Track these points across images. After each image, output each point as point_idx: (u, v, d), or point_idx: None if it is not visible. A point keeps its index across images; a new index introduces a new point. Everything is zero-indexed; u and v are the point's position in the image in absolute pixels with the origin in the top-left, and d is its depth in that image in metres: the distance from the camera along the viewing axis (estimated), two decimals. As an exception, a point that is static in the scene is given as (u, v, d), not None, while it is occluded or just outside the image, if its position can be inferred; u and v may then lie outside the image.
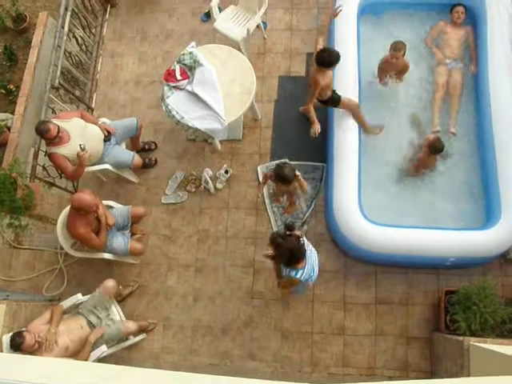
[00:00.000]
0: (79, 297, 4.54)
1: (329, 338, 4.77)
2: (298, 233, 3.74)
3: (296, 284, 3.84)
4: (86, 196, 4.17)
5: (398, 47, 4.74)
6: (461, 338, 3.86)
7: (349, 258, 4.94)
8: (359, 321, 4.78)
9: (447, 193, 4.89)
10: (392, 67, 5.00)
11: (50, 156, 4.55)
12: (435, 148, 4.65)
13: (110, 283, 4.54)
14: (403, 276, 4.84)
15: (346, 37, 5.11)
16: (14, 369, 1.75)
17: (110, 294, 4.56)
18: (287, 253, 3.51)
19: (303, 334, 4.80)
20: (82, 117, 4.74)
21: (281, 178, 4.12)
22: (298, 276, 3.64)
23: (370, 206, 4.67)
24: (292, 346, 4.78)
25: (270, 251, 3.81)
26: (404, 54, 4.79)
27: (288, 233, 3.60)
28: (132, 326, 4.58)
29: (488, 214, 4.67)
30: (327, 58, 4.34)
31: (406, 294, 4.80)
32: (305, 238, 3.83)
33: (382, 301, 4.81)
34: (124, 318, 4.70)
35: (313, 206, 5.15)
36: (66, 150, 4.48)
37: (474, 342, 3.75)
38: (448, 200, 4.86)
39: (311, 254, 3.80)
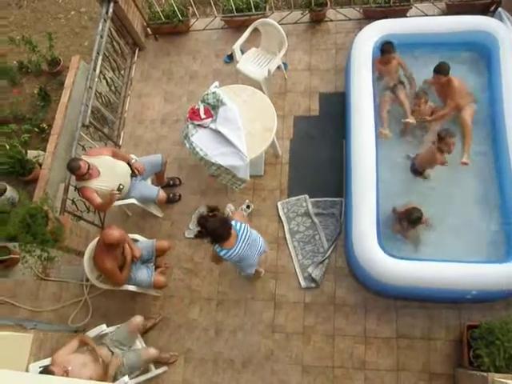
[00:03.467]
0: (103, 327, 4.63)
1: (350, 372, 4.74)
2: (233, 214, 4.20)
3: (219, 260, 4.13)
4: (115, 232, 4.32)
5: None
6: (485, 374, 3.80)
7: (369, 292, 4.96)
8: (380, 355, 4.75)
9: (467, 225, 4.90)
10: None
11: (79, 189, 4.75)
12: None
13: (137, 319, 4.62)
14: (424, 310, 4.82)
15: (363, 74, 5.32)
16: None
17: (136, 330, 4.64)
18: (210, 232, 3.81)
19: (324, 368, 4.79)
20: (114, 154, 4.94)
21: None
22: (222, 254, 3.95)
23: (389, 239, 4.72)
24: (313, 380, 4.76)
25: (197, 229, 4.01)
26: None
27: (211, 214, 3.87)
28: (152, 351, 4.60)
29: (509, 247, 4.65)
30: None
31: (428, 329, 4.77)
32: (250, 229, 4.15)
33: (403, 335, 4.78)
34: (144, 345, 4.74)
35: (335, 241, 5.22)
36: (96, 184, 4.68)
37: (498, 377, 3.69)
38: (468, 233, 4.87)
39: (250, 241, 4.08)
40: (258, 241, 4.32)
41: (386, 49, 5.26)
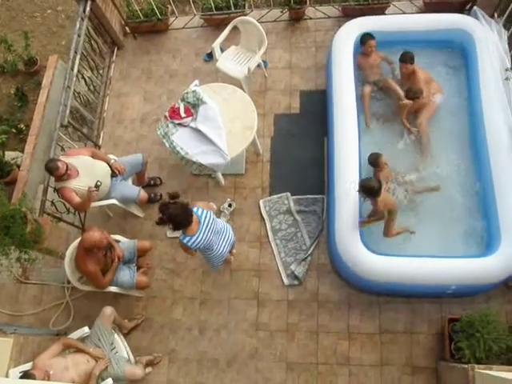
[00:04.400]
0: (86, 330, 4.58)
1: (334, 368, 4.77)
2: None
3: (186, 248, 4.09)
4: (95, 234, 4.27)
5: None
6: (466, 366, 3.86)
7: (352, 288, 5.00)
8: (364, 351, 4.79)
9: (446, 220, 4.96)
10: None
11: (58, 190, 4.69)
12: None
13: (107, 310, 4.58)
14: (406, 305, 4.88)
15: (343, 72, 5.35)
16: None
17: (108, 322, 4.57)
18: (170, 218, 3.82)
19: (308, 365, 4.81)
20: (94, 154, 4.89)
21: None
22: (185, 241, 3.99)
23: (371, 235, 4.76)
24: (297, 377, 4.78)
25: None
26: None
27: (172, 201, 3.88)
28: (137, 372, 4.50)
29: (488, 241, 4.73)
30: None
31: (410, 323, 4.82)
32: (215, 217, 4.19)
33: (386, 330, 4.83)
34: (131, 356, 4.68)
35: (317, 238, 5.24)
36: (74, 184, 4.62)
37: (479, 369, 3.75)
38: (447, 227, 4.93)
39: (215, 228, 4.13)
40: (225, 230, 4.35)
41: (365, 39, 5.35)
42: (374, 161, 4.86)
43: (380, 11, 6.08)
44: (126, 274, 4.77)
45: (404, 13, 6.17)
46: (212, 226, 4.09)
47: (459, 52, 5.63)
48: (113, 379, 4.33)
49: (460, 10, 5.98)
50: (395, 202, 4.63)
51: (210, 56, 6.28)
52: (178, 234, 5.30)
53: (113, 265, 4.61)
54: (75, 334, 4.56)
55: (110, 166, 4.95)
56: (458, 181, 5.14)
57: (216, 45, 5.69)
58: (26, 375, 3.84)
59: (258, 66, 5.92)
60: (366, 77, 5.62)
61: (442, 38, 5.56)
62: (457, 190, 5.10)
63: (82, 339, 4.55)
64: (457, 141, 5.31)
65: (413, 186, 5.07)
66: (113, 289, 4.72)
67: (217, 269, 4.83)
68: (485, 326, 4.08)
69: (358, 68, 5.56)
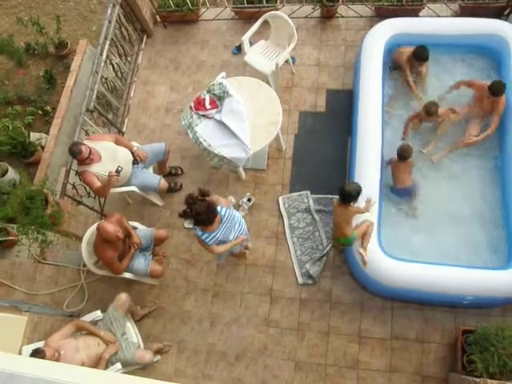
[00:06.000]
0: (98, 313, 4.63)
1: (342, 371, 4.73)
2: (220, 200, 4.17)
3: (202, 243, 4.08)
4: (109, 227, 4.29)
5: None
6: (478, 380, 3.80)
7: (366, 291, 4.95)
8: (374, 355, 4.75)
9: (469, 231, 4.88)
10: None
11: (80, 173, 4.74)
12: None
13: (122, 296, 4.62)
14: (420, 313, 4.81)
15: (372, 73, 5.27)
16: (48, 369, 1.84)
17: (122, 308, 4.62)
18: (194, 215, 3.80)
19: (317, 365, 4.78)
20: (117, 140, 4.93)
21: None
22: (203, 237, 3.99)
23: (390, 239, 4.70)
24: (305, 376, 4.76)
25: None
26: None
27: (200, 197, 3.85)
28: (147, 356, 4.52)
29: (510, 254, 4.62)
30: None
31: (422, 331, 4.75)
32: (233, 211, 4.19)
33: (398, 336, 4.77)
34: (141, 343, 4.72)
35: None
36: (96, 169, 4.66)
37: (491, 384, 3.69)
38: (469, 239, 4.85)
39: (231, 225, 4.11)
40: (239, 223, 4.32)
41: (424, 55, 5.18)
42: (406, 152, 4.81)
43: (414, 13, 5.97)
44: (141, 262, 4.81)
45: (438, 16, 6.05)
46: (231, 223, 4.09)
47: (494, 58, 5.48)
48: (122, 363, 4.38)
49: (498, 15, 5.84)
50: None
51: (239, 49, 6.26)
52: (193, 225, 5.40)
53: (130, 251, 4.65)
54: (88, 317, 4.61)
55: (133, 153, 4.97)
56: (483, 190, 5.05)
57: (245, 38, 5.66)
58: (36, 351, 3.90)
59: (286, 61, 5.88)
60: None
61: (476, 43, 5.44)
62: (480, 198, 5.02)
63: (94, 322, 4.60)
64: (487, 149, 5.21)
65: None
66: (127, 275, 4.76)
67: (223, 259, 4.84)
68: (500, 340, 3.98)
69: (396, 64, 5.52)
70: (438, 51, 5.28)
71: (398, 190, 5.01)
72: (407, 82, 5.41)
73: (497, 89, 4.84)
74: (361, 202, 4.41)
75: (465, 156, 5.20)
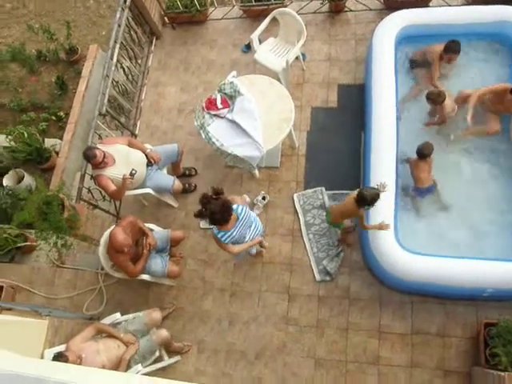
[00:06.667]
0: (118, 316, 4.66)
1: (363, 367, 4.70)
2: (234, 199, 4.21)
3: (219, 242, 4.10)
4: (119, 236, 4.30)
5: None
6: (502, 374, 3.74)
7: (384, 286, 4.90)
8: (394, 351, 4.70)
9: (487, 223, 4.81)
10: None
11: (95, 177, 4.77)
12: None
13: (157, 315, 4.71)
14: (440, 307, 4.75)
15: (384, 66, 5.21)
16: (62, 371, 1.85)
17: (153, 324, 4.68)
18: (209, 214, 3.82)
19: (337, 362, 4.76)
20: (130, 143, 4.95)
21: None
22: (219, 236, 4.01)
23: (407, 233, 4.65)
24: (325, 373, 4.73)
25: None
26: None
27: (215, 196, 3.86)
28: (163, 333, 4.62)
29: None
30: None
31: (443, 325, 4.69)
32: (249, 211, 4.20)
33: (418, 331, 4.72)
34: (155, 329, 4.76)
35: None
36: (111, 172, 4.69)
37: (515, 377, 3.63)
38: (488, 231, 4.78)
39: (247, 224, 4.12)
40: (255, 223, 4.32)
41: (457, 48, 5.11)
42: (426, 150, 4.75)
43: (423, 3, 5.90)
44: (158, 263, 4.82)
45: (449, 5, 5.95)
46: (247, 221, 4.10)
47: (506, 45, 5.39)
48: (145, 355, 4.47)
49: (509, 1, 5.71)
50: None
51: (248, 47, 6.25)
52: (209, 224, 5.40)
53: (144, 253, 4.64)
54: (107, 320, 4.64)
55: (146, 155, 4.99)
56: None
57: (254, 36, 5.64)
58: (59, 356, 3.93)
59: (297, 58, 5.85)
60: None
61: (488, 30, 5.35)
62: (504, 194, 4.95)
63: (114, 325, 4.62)
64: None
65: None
66: (145, 277, 4.77)
67: (240, 258, 4.85)
68: (524, 333, 3.93)
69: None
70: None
71: (419, 190, 4.93)
72: (433, 78, 5.30)
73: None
74: (377, 216, 4.41)
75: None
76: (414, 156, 4.85)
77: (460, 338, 4.64)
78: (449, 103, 4.99)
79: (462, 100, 5.06)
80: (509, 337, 4.00)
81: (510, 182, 4.98)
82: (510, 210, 4.86)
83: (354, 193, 4.24)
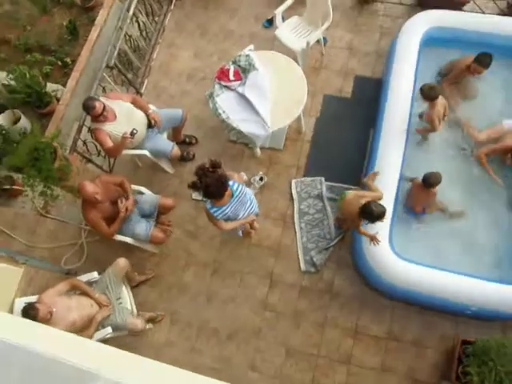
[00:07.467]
0: (95, 274, 4.58)
1: (333, 364, 4.65)
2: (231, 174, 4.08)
3: (211, 217, 3.99)
4: (87, 187, 4.20)
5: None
6: (471, 393, 3.72)
7: (368, 287, 4.84)
8: (367, 353, 4.65)
9: (482, 241, 4.75)
10: None
11: (93, 131, 4.62)
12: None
13: (121, 261, 4.55)
14: (420, 316, 4.70)
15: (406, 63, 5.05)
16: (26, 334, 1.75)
17: (120, 273, 4.56)
18: (204, 187, 3.69)
19: (308, 355, 4.71)
20: (134, 101, 4.80)
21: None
22: (212, 211, 3.90)
23: (402, 238, 4.57)
24: (295, 364, 4.69)
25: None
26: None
27: (212, 169, 3.71)
28: (139, 324, 4.45)
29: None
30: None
31: (420, 335, 4.65)
32: (246, 189, 4.08)
33: (395, 337, 4.67)
34: (135, 310, 4.67)
35: (345, 233, 5.06)
36: (110, 128, 4.55)
37: (484, 398, 3.60)
38: (480, 247, 4.73)
39: (242, 200, 4.02)
40: (251, 201, 4.23)
41: (488, 61, 4.76)
42: (435, 179, 4.48)
43: (458, 6, 5.68)
44: (143, 227, 4.70)
45: (483, 12, 5.76)
46: (242, 198, 3.99)
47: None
48: (113, 328, 4.33)
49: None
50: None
51: (270, 22, 6.06)
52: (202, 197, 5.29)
53: (119, 215, 4.48)
54: (84, 277, 4.55)
55: (148, 116, 4.83)
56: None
57: (279, 12, 5.48)
58: (30, 307, 3.84)
59: (318, 41, 5.66)
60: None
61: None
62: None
63: (90, 283, 4.53)
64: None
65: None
66: (127, 240, 4.67)
67: (240, 235, 4.75)
68: (501, 356, 3.87)
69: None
70: (477, 50, 4.97)
71: (412, 212, 4.83)
72: (448, 80, 5.11)
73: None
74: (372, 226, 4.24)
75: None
76: (419, 179, 4.63)
77: (434, 350, 4.60)
78: (439, 105, 4.62)
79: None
80: (485, 358, 3.94)
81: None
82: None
83: (350, 191, 4.09)
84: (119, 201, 4.47)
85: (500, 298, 4.20)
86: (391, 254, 4.31)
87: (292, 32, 5.58)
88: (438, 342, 4.62)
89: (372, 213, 3.91)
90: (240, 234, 4.68)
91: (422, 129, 4.99)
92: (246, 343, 4.81)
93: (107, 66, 5.15)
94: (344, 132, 5.48)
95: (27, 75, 5.84)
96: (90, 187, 4.20)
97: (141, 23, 5.99)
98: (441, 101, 4.61)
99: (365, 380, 4.58)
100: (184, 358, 4.75)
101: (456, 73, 5.07)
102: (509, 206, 4.89)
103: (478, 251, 4.69)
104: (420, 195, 4.69)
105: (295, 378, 4.65)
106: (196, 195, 5.34)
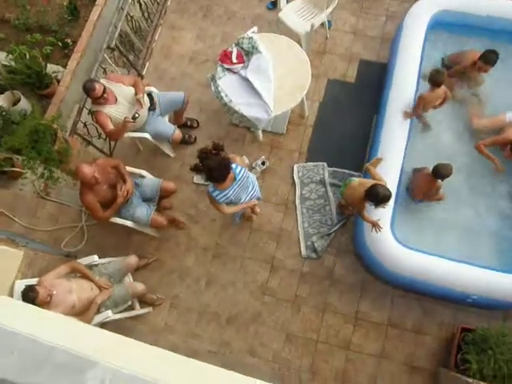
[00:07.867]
0: (95, 258, 4.55)
1: (333, 349, 4.66)
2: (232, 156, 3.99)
3: (213, 200, 3.96)
4: (84, 169, 4.16)
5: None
6: (470, 380, 3.72)
7: (369, 274, 4.83)
8: (367, 339, 4.67)
9: (484, 230, 4.73)
10: None
11: (94, 113, 4.57)
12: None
13: (133, 260, 4.60)
14: (420, 303, 4.71)
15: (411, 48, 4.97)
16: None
17: (129, 270, 4.61)
18: (206, 169, 3.65)
19: (308, 340, 4.72)
20: (135, 84, 4.71)
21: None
22: (214, 194, 3.87)
23: (404, 225, 4.55)
24: (294, 349, 4.70)
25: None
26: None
27: (214, 152, 3.67)
28: (139, 286, 4.55)
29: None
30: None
31: (420, 323, 4.66)
32: (248, 173, 4.07)
33: (394, 324, 4.68)
34: (132, 279, 4.70)
35: (347, 218, 5.03)
36: (111, 110, 4.50)
37: (483, 386, 3.61)
38: (485, 236, 4.71)
39: (244, 185, 4.00)
40: (253, 185, 4.21)
41: (494, 59, 4.59)
42: (445, 171, 4.35)
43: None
44: (143, 211, 4.66)
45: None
46: (244, 182, 3.95)
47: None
48: (116, 304, 4.38)
49: None
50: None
51: (274, 4, 5.96)
52: (204, 181, 5.22)
53: (117, 200, 4.42)
54: (84, 260, 4.53)
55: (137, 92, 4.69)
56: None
57: (283, -7, 5.36)
58: (30, 289, 3.83)
59: (322, 24, 5.57)
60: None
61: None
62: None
63: (90, 267, 4.51)
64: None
65: None
66: (128, 223, 4.64)
67: (238, 220, 4.73)
68: (500, 345, 3.88)
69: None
70: (486, 36, 4.89)
71: (414, 200, 4.79)
72: (453, 71, 4.96)
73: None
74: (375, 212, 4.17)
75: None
76: (428, 169, 4.53)
77: (434, 337, 4.62)
78: (436, 94, 4.53)
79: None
80: (484, 346, 3.96)
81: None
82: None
83: (353, 178, 4.08)
84: (118, 187, 4.42)
85: (501, 287, 4.18)
86: (393, 241, 4.29)
87: (296, 14, 5.48)
88: (437, 330, 4.63)
89: (378, 194, 3.86)
90: (237, 220, 4.65)
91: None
92: (246, 328, 4.81)
93: (108, 47, 5.08)
94: (347, 117, 5.42)
95: (27, 56, 5.76)
96: (87, 169, 4.16)
97: (142, 4, 5.89)
98: (440, 92, 4.54)
99: (364, 366, 4.60)
100: (183, 342, 4.76)
101: (460, 68, 4.93)
102: (509, 195, 4.85)
103: (479, 239, 4.68)
104: (426, 185, 4.57)
105: (294, 363, 4.67)
106: (197, 179, 5.30)
